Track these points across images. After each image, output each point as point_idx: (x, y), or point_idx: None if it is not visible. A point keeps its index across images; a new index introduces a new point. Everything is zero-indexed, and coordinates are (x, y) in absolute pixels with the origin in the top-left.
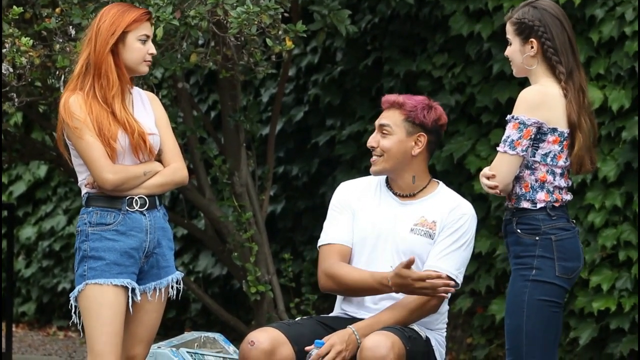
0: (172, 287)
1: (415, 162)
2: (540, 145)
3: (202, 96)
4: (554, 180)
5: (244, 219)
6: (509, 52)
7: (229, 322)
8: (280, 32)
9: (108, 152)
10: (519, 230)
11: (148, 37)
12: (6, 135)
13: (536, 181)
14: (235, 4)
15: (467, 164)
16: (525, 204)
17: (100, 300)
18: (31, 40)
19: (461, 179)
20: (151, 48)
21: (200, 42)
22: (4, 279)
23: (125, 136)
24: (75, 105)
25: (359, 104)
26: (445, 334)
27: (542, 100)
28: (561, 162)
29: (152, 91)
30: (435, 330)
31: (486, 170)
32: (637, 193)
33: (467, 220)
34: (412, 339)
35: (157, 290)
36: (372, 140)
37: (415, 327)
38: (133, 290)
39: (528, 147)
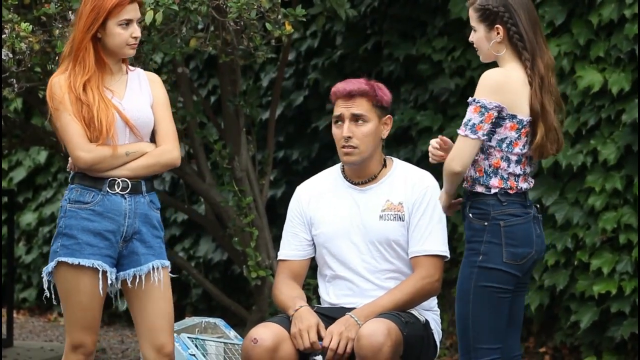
0: (162, 274)
1: (380, 144)
2: (497, 130)
3: (201, 81)
4: (508, 167)
5: (244, 203)
6: (474, 38)
7: (230, 307)
8: (279, 17)
9: (87, 133)
10: (470, 215)
11: (130, 21)
12: (6, 121)
13: (490, 166)
14: None
15: None
16: (480, 189)
17: (74, 284)
18: (30, 26)
19: None
20: (135, 31)
21: (199, 26)
22: (4, 265)
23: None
24: (56, 86)
25: None
26: (438, 311)
27: (505, 83)
28: (517, 150)
29: None
30: (430, 310)
31: (434, 142)
32: (638, 176)
33: (433, 191)
34: (410, 324)
35: (138, 277)
36: (348, 131)
37: (413, 311)
38: (104, 273)
39: (489, 131)
